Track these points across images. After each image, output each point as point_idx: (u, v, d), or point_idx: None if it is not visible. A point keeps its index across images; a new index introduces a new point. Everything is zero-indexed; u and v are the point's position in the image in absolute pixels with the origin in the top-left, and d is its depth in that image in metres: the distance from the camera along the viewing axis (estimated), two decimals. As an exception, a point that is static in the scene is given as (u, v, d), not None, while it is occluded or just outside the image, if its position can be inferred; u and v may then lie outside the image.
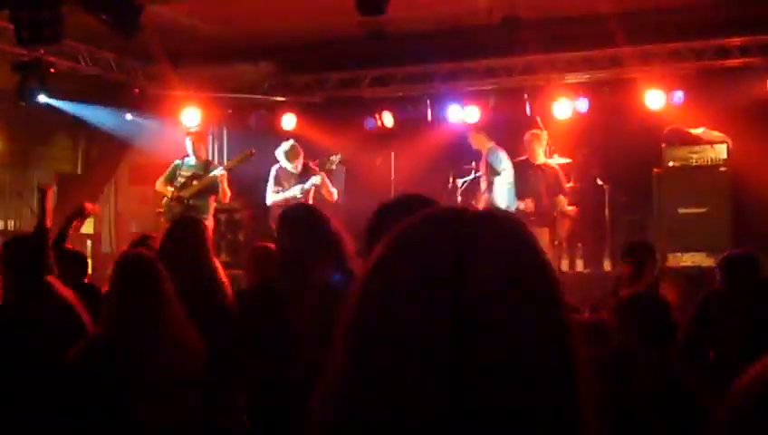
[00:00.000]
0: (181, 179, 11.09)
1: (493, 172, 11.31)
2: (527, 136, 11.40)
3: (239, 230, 12.43)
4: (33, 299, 5.11)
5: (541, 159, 11.37)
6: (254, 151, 11.21)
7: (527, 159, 11.34)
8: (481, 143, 11.64)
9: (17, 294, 5.17)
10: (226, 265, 6.56)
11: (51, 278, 5.26)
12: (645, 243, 8.23)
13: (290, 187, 10.91)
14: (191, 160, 11.20)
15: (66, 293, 5.19)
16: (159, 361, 4.44)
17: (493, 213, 1.30)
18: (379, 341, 1.19)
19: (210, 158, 12.52)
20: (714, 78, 11.56)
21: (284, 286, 4.63)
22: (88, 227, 13.68)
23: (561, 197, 11.22)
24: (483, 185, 11.47)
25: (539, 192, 11.15)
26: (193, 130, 12.03)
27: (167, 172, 11.22)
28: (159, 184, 11.20)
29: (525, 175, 11.26)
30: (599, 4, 10.89)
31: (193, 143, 11.22)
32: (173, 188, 11.06)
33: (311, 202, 10.32)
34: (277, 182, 11.03)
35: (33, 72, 10.89)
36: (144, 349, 4.41)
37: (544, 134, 11.49)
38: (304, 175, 10.91)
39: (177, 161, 11.27)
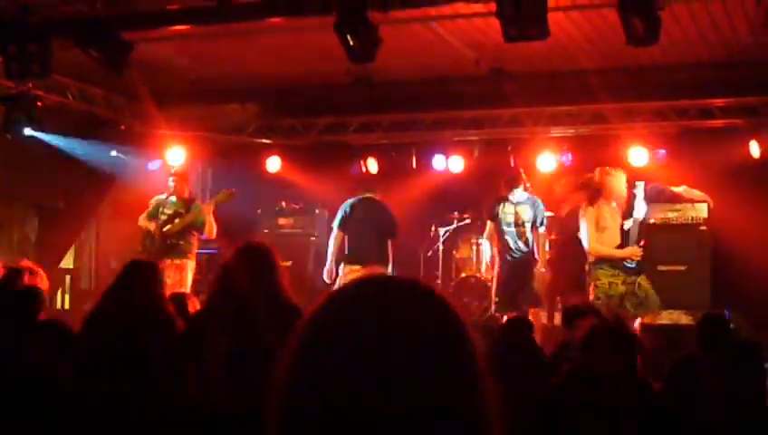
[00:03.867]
0: (163, 217, 11.06)
1: None
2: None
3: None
4: None
5: None
6: (234, 191, 11.19)
7: None
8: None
9: None
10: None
11: None
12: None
13: None
14: (173, 199, 11.18)
15: None
16: None
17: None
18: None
19: (193, 197, 12.48)
20: (696, 137, 11.65)
21: None
22: (67, 262, 13.61)
23: None
24: None
25: None
26: (177, 169, 12.01)
27: (149, 208, 11.19)
28: (142, 220, 11.15)
29: None
30: (584, 61, 11.01)
31: (175, 182, 11.21)
32: (155, 225, 11.02)
33: None
34: None
35: (20, 106, 10.86)
36: None
37: None
38: None
39: (160, 198, 11.25)
